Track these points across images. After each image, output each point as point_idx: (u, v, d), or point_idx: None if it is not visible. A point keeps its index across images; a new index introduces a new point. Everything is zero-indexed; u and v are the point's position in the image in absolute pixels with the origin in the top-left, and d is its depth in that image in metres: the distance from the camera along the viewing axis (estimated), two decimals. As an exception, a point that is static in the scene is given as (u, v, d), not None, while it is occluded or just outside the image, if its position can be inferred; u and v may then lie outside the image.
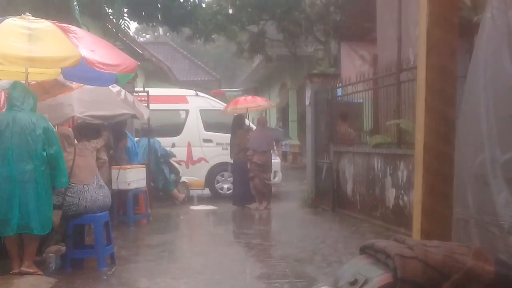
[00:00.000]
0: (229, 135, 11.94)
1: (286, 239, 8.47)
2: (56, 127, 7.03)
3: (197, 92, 13.86)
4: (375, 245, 2.15)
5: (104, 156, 8.08)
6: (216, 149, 12.99)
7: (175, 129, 13.12)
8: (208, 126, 13.23)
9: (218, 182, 13.29)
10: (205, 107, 13.35)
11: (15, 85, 5.84)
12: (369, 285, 1.98)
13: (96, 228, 6.28)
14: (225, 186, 13.26)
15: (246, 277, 5.94)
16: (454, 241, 2.64)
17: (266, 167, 11.42)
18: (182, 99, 13.53)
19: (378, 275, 2.01)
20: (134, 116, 9.31)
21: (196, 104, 13.19)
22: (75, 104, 7.77)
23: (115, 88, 8.44)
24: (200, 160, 12.95)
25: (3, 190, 5.50)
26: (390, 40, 9.77)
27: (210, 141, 13.17)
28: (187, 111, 13.34)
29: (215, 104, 13.66)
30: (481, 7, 4.85)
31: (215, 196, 13.07)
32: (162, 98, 13.12)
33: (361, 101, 10.44)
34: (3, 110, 6.08)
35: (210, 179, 13.18)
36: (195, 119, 13.15)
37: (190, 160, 13.12)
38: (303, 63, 18.46)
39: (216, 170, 13.16)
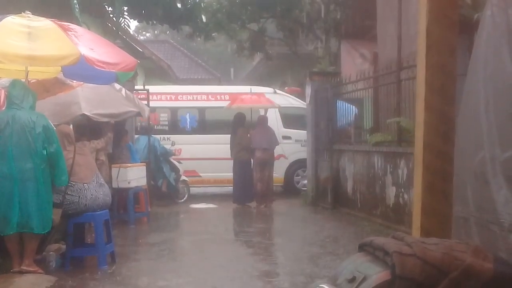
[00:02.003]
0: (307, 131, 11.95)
1: (286, 237, 8.48)
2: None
3: (275, 90, 13.91)
4: (373, 243, 2.14)
5: (102, 157, 8.09)
6: (295, 146, 13.06)
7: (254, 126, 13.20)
8: (287, 123, 13.33)
9: (297, 177, 13.34)
10: (283, 104, 13.40)
11: (14, 83, 5.84)
12: (368, 282, 1.97)
13: (96, 226, 6.28)
14: (304, 182, 13.31)
15: (246, 275, 5.94)
16: (454, 239, 2.64)
17: (266, 165, 11.41)
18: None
19: (376, 273, 2.00)
20: (138, 114, 9.34)
21: (275, 101, 13.22)
22: (81, 103, 7.79)
23: (117, 86, 8.46)
24: (279, 157, 13.00)
25: (3, 189, 5.50)
26: (390, 38, 9.76)
27: (289, 138, 13.27)
28: (266, 109, 13.42)
29: (293, 101, 13.71)
30: (481, 5, 4.84)
31: (294, 193, 13.03)
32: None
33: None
34: (3, 109, 6.07)
35: (289, 175, 13.23)
36: (274, 117, 13.19)
37: None
38: (303, 61, 18.43)
39: (294, 167, 13.24)
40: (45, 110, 6.44)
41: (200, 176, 12.86)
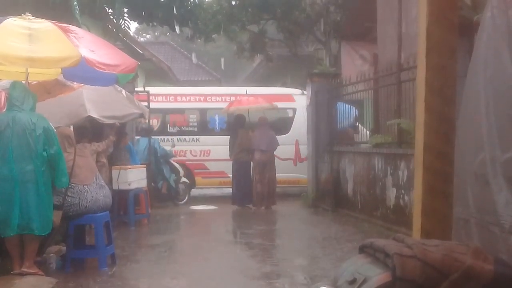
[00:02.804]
0: None
1: (286, 238, 8.48)
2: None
3: (303, 91, 13.97)
4: (374, 244, 2.15)
5: (103, 159, 8.09)
6: None
7: (283, 127, 13.20)
8: None
9: None
10: None
11: (14, 85, 5.83)
12: (368, 284, 1.97)
13: (97, 228, 6.28)
14: None
15: (247, 276, 5.94)
16: (454, 240, 2.64)
17: (266, 166, 11.39)
18: (289, 98, 13.67)
19: (377, 274, 2.00)
20: (141, 116, 9.35)
21: (303, 102, 13.18)
22: (87, 105, 7.80)
23: (117, 88, 8.47)
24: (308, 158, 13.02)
25: (4, 190, 5.49)
26: (390, 40, 9.77)
27: None
28: (294, 110, 13.49)
29: None
30: (481, 7, 4.84)
31: None
32: (269, 97, 13.25)
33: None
34: (4, 110, 6.07)
35: None
36: (302, 118, 13.14)
37: (298, 158, 13.28)
38: (303, 63, 18.46)
39: None
40: (52, 113, 6.46)
41: (229, 177, 12.84)
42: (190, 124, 13.45)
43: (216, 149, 13.03)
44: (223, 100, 13.41)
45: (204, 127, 13.43)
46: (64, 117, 7.50)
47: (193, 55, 28.55)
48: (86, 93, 7.75)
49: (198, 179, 13.00)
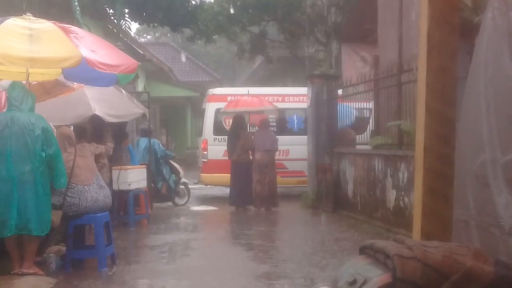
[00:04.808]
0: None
1: (286, 240, 8.48)
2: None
3: None
4: (374, 245, 2.15)
5: (103, 160, 8.10)
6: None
7: (361, 127, 13.03)
8: None
9: None
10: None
11: (13, 85, 5.83)
12: (368, 285, 1.97)
13: (97, 228, 6.28)
14: None
15: (246, 277, 5.93)
16: (454, 242, 2.64)
17: (266, 167, 11.38)
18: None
19: (377, 275, 2.01)
20: (143, 115, 9.37)
21: None
22: (92, 103, 7.81)
23: (119, 88, 8.49)
24: None
25: (2, 191, 5.48)
26: (391, 41, 9.77)
27: None
28: (370, 110, 13.36)
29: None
30: (482, 8, 4.85)
31: None
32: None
33: None
34: (4, 110, 6.07)
35: None
36: None
37: None
38: (304, 64, 18.48)
39: None
40: (57, 112, 6.45)
41: (306, 176, 12.76)
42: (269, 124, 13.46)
43: (295, 149, 13.11)
44: (301, 100, 13.30)
45: (283, 127, 13.45)
46: (69, 116, 7.51)
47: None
48: (89, 92, 7.77)
49: (277, 178, 12.93)
